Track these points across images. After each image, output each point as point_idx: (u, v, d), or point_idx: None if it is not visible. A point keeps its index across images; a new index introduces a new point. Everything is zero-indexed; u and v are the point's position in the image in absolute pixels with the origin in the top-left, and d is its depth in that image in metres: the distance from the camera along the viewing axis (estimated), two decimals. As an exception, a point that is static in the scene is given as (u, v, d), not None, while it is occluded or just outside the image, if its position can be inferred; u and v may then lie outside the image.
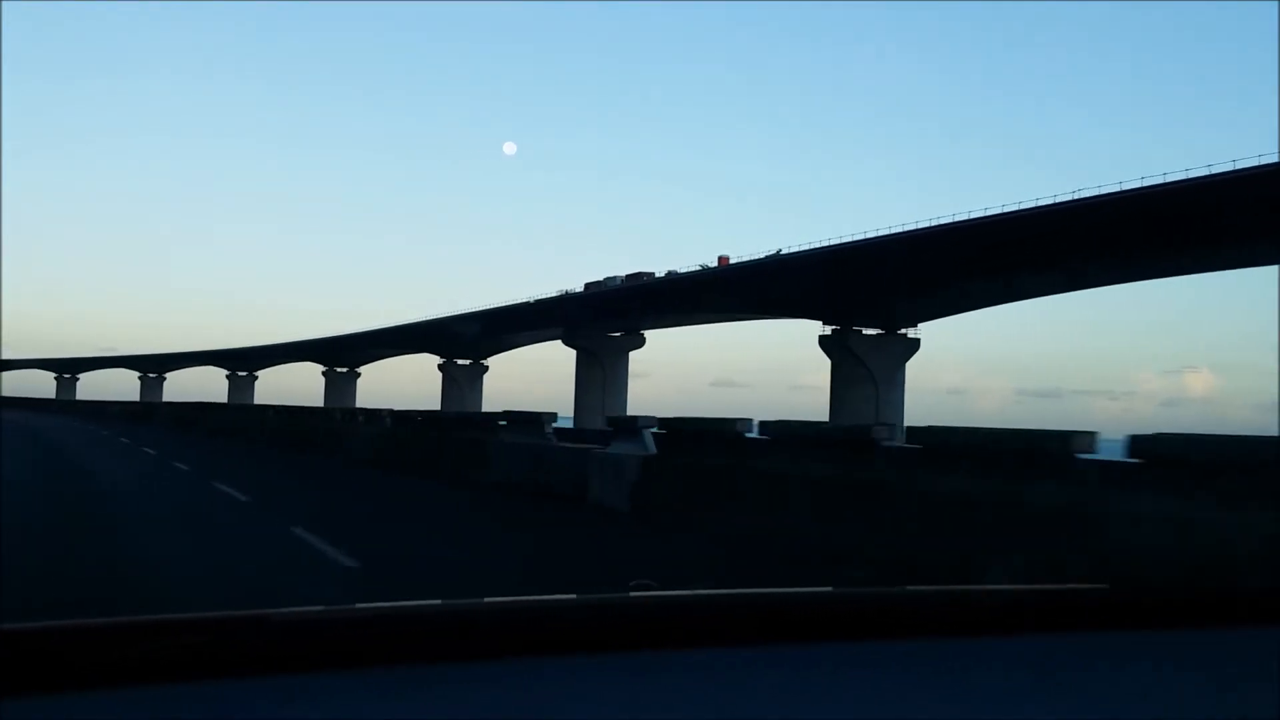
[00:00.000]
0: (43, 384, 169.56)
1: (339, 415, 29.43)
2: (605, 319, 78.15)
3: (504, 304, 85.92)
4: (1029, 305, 62.27)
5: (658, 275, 71.80)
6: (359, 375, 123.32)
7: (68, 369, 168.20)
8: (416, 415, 23.29)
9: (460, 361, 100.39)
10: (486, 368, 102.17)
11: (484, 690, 0.89)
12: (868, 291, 57.29)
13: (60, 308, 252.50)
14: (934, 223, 53.42)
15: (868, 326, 61.42)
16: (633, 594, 1.16)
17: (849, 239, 57.60)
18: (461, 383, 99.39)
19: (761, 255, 62.65)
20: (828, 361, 62.31)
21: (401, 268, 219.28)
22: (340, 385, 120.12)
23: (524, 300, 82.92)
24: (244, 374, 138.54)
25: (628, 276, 74.54)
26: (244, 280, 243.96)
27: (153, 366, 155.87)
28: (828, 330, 62.36)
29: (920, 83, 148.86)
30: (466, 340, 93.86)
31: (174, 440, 30.37)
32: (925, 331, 62.29)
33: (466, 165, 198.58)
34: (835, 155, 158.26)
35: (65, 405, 74.77)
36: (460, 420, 22.54)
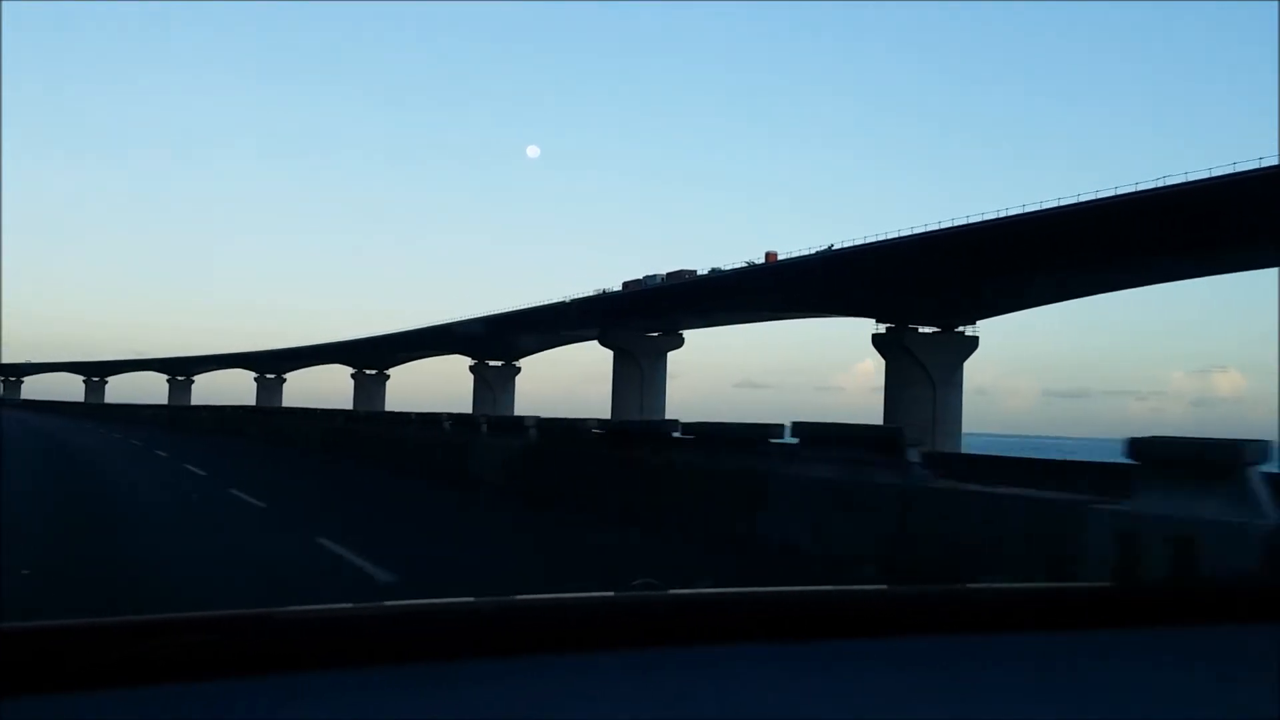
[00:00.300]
0: (72, 387, 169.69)
1: (449, 423, 20.21)
2: (644, 318, 75.93)
3: (538, 304, 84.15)
4: (1058, 305, 59.13)
5: (700, 273, 69.36)
6: (388, 378, 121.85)
7: (96, 372, 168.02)
8: (564, 423, 15.95)
9: (492, 363, 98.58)
10: (519, 369, 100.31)
11: (488, 688, 0.89)
12: (924, 288, 54.57)
13: (89, 311, 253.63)
14: (998, 215, 50.65)
15: (923, 324, 58.67)
16: (636, 592, 1.16)
17: (903, 233, 54.91)
18: (494, 385, 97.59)
19: (812, 250, 59.99)
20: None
21: (432, 270, 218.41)
22: (369, 388, 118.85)
23: (559, 300, 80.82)
24: (272, 377, 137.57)
25: (668, 275, 72.20)
26: (272, 283, 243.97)
27: (181, 369, 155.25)
28: (881, 329, 59.69)
29: (969, 81, 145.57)
30: (499, 341, 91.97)
31: (226, 456, 24.27)
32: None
33: (496, 169, 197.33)
34: (885, 152, 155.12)
35: (93, 410, 71.06)
36: (644, 433, 14.13)
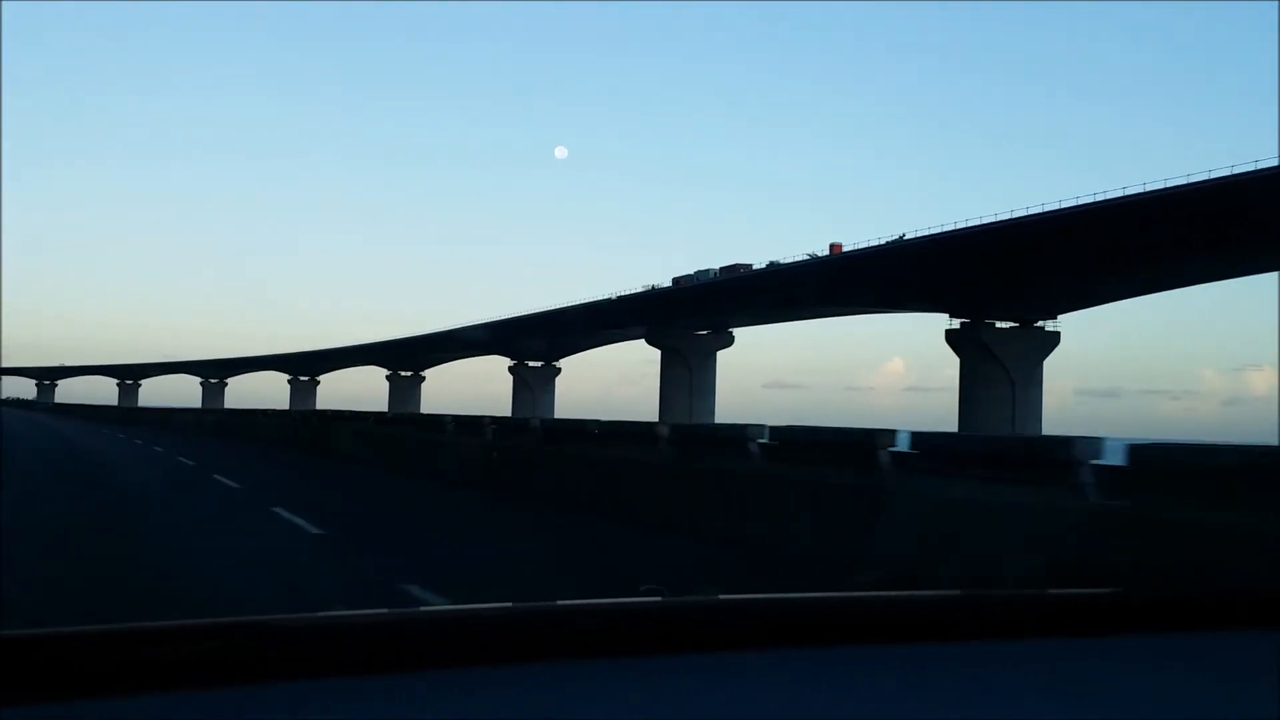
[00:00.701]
0: (105, 390, 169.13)
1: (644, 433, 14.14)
2: (693, 316, 72.69)
3: (581, 302, 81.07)
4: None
5: (756, 267, 65.90)
6: (423, 379, 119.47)
7: (130, 375, 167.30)
8: (629, 427, 14.20)
9: (532, 363, 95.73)
10: (559, 370, 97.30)
11: (495, 695, 0.89)
12: (1002, 280, 50.82)
13: (123, 315, 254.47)
14: (1079, 201, 46.82)
15: (1000, 319, 54.83)
16: (643, 599, 1.16)
17: (977, 221, 51.18)
18: (533, 386, 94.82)
19: (881, 241, 56.31)
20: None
21: (467, 272, 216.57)
22: (405, 389, 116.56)
23: (604, 297, 77.72)
24: (305, 379, 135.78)
25: (722, 269, 68.85)
26: (306, 286, 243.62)
27: (214, 372, 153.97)
28: (955, 323, 55.92)
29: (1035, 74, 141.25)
30: (539, 340, 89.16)
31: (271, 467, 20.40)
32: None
33: (526, 170, 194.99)
34: (950, 140, 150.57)
35: (126, 414, 66.06)
36: (717, 438, 12.47)
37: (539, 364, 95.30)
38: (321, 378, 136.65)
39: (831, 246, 59.76)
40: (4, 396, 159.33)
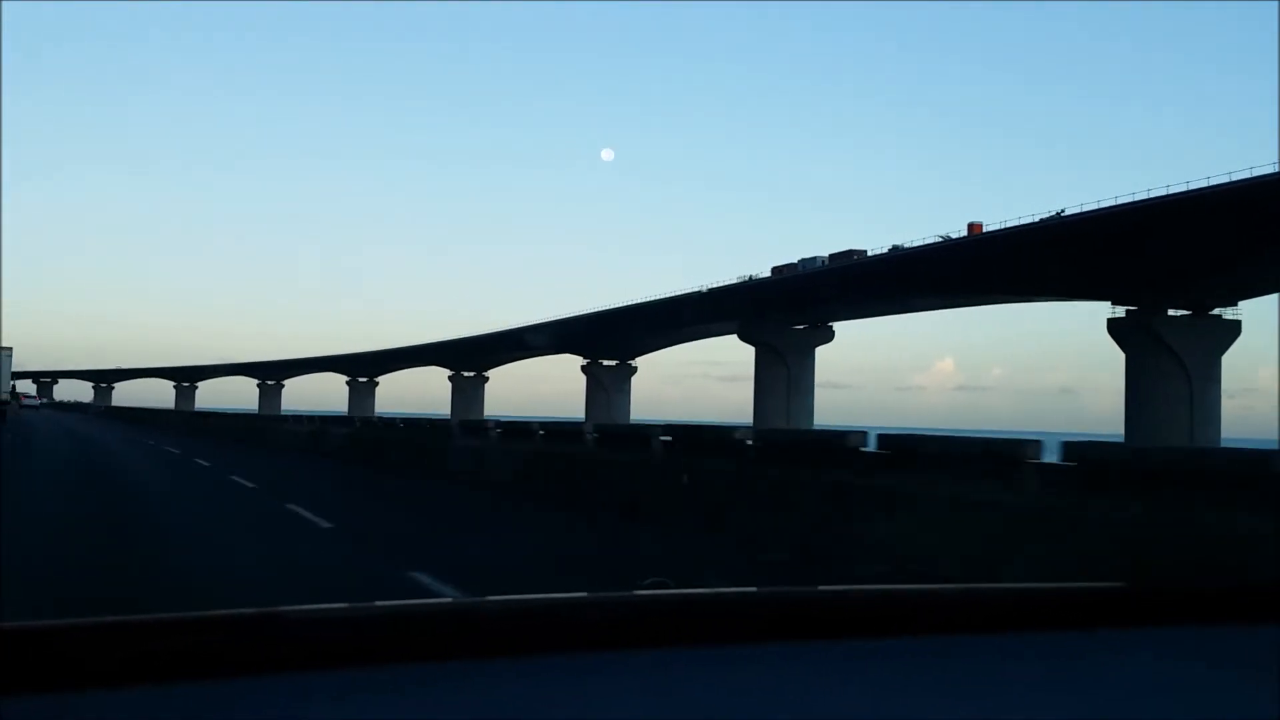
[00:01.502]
0: (162, 393, 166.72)
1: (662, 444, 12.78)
2: (794, 309, 66.27)
3: (664, 295, 75.27)
4: None
5: (871, 253, 59.19)
6: (487, 379, 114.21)
7: (186, 377, 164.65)
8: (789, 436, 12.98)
9: (606, 362, 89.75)
10: (634, 369, 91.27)
11: (497, 688, 0.89)
12: (1175, 261, 43.64)
13: (179, 318, 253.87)
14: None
15: (1171, 306, 47.59)
16: (646, 591, 1.16)
17: (1144, 195, 43.97)
18: (608, 386, 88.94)
19: (1030, 219, 49.26)
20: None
21: (526, 272, 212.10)
22: (467, 390, 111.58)
23: (691, 290, 71.58)
24: (364, 380, 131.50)
25: (832, 256, 62.28)
26: (363, 287, 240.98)
27: (271, 373, 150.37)
28: (1120, 311, 48.77)
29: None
30: (613, 338, 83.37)
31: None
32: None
33: (585, 170, 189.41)
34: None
35: (190, 421, 51.50)
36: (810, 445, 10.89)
37: (613, 363, 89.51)
38: (381, 379, 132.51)
39: (971, 226, 52.70)
40: (58, 399, 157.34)
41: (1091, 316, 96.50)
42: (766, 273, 67.41)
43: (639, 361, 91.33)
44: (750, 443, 11.21)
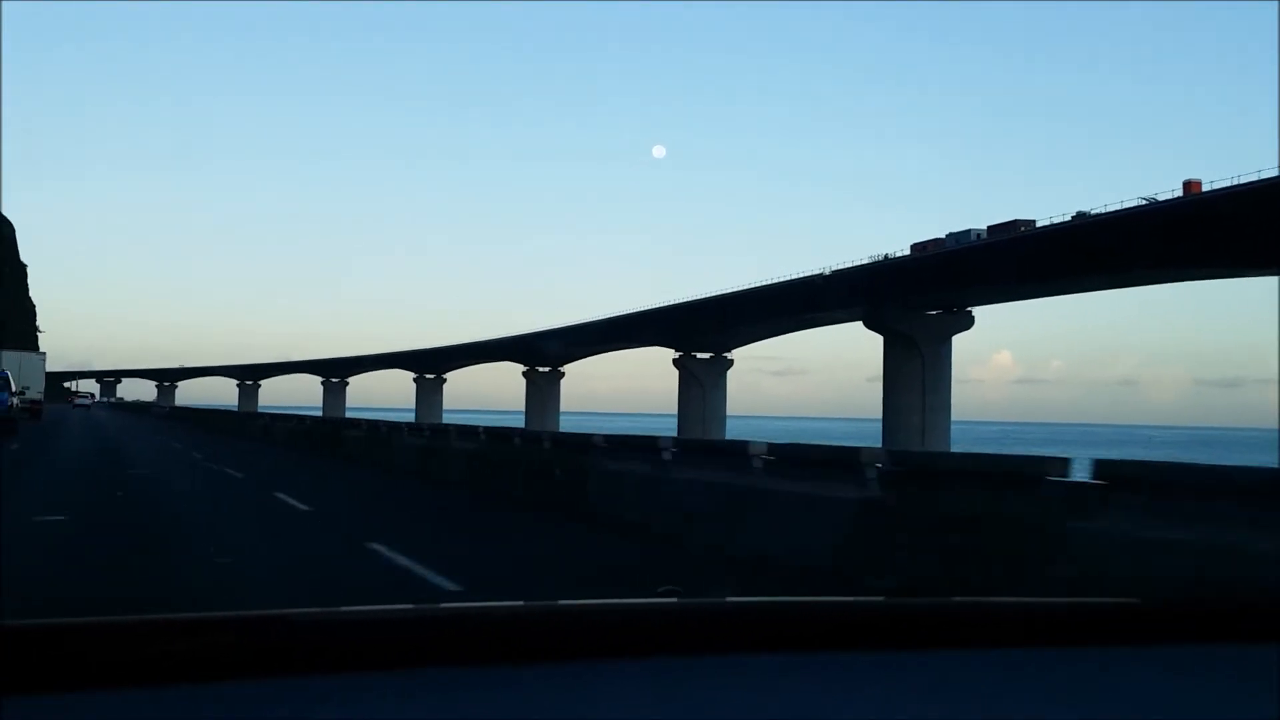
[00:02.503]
0: (225, 392, 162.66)
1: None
2: (935, 289, 56.71)
3: (775, 280, 66.97)
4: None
5: (1042, 223, 49.60)
6: (562, 375, 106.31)
7: (249, 375, 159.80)
8: None
9: (700, 355, 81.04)
10: (731, 362, 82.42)
11: (507, 694, 0.89)
12: None
13: (240, 318, 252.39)
14: None
15: None
16: (658, 600, 1.16)
17: None
18: (703, 380, 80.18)
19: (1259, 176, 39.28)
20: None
21: (620, 261, 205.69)
22: (542, 386, 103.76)
23: (811, 273, 62.71)
24: (431, 377, 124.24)
25: (991, 229, 52.83)
26: (431, 284, 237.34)
27: (336, 371, 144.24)
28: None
29: None
30: (707, 327, 75.00)
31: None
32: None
33: (636, 166, 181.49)
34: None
35: (243, 424, 44.25)
36: None
37: (708, 356, 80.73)
38: (448, 375, 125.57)
39: (1187, 185, 42.84)
40: (120, 399, 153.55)
41: None
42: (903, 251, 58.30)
43: (737, 353, 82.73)
44: (880, 466, 8.36)
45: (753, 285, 69.55)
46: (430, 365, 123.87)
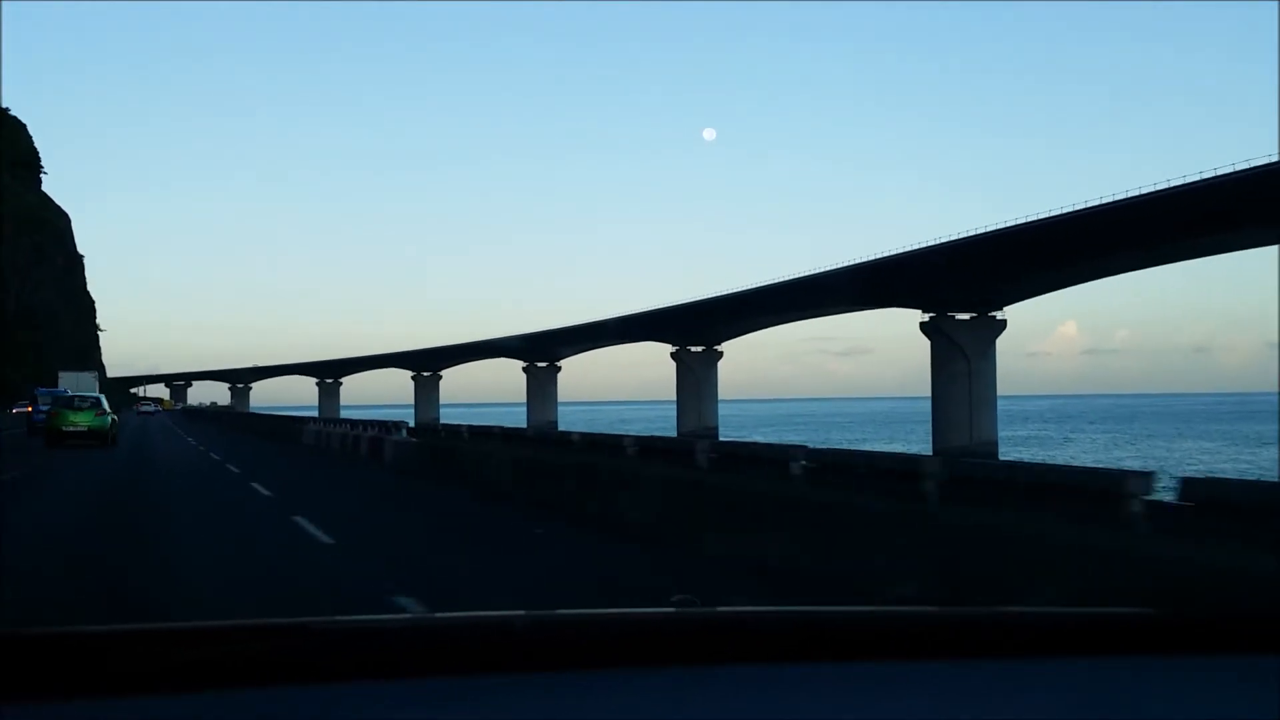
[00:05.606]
0: (303, 392, 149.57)
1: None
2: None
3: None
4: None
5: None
6: (559, 370, 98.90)
7: (329, 372, 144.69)
8: None
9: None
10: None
11: (523, 703, 0.91)
12: None
13: (319, 315, 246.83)
14: None
15: None
16: (674, 609, 1.16)
17: None
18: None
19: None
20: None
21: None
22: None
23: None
24: (543, 365, 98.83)
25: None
26: (458, 281, 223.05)
27: (424, 363, 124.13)
28: None
29: None
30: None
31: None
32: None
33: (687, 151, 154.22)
34: None
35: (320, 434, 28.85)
36: None
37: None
38: (562, 363, 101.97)
39: None
40: (191, 404, 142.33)
41: None
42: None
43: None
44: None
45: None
46: (540, 352, 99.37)
